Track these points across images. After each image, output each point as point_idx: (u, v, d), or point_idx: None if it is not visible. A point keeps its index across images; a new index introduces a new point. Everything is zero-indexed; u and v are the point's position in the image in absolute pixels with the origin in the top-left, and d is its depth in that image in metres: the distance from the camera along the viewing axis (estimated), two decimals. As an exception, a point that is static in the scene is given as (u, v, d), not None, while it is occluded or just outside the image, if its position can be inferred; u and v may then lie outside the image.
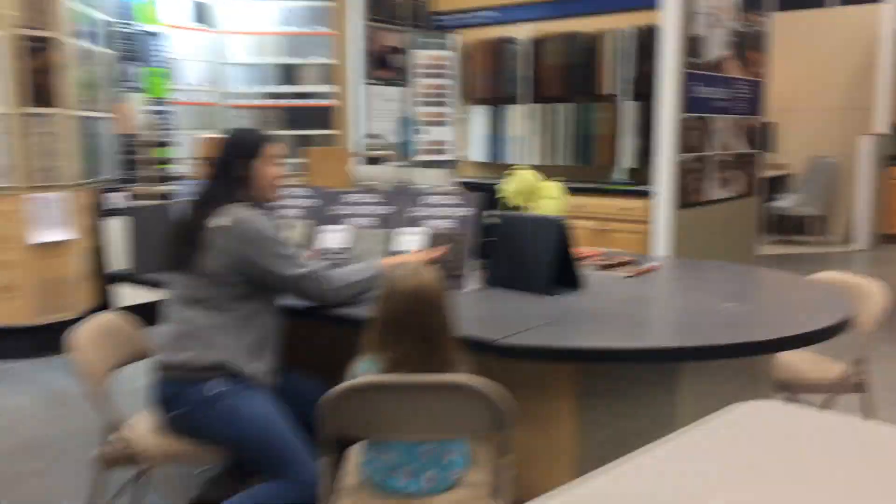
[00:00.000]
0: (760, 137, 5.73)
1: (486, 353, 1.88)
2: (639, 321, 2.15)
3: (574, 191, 5.25)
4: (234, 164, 2.21)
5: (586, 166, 5.56)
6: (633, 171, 5.32)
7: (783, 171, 8.77)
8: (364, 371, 1.77)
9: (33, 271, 4.36)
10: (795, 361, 2.64)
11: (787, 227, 8.66)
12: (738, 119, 5.38)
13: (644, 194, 4.95)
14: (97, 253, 4.71)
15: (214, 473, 2.58)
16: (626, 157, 5.32)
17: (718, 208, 5.22)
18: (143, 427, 2.23)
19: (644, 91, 5.17)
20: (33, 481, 2.91)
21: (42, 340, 4.26)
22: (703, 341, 1.98)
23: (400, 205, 2.65)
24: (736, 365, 2.29)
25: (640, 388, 2.11)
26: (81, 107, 4.66)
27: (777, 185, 8.64)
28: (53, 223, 4.41)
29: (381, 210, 2.67)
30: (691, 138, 4.87)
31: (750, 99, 5.48)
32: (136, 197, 4.14)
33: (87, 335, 2.13)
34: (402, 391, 1.68)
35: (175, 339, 2.14)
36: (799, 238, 8.57)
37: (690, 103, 4.80)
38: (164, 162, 4.93)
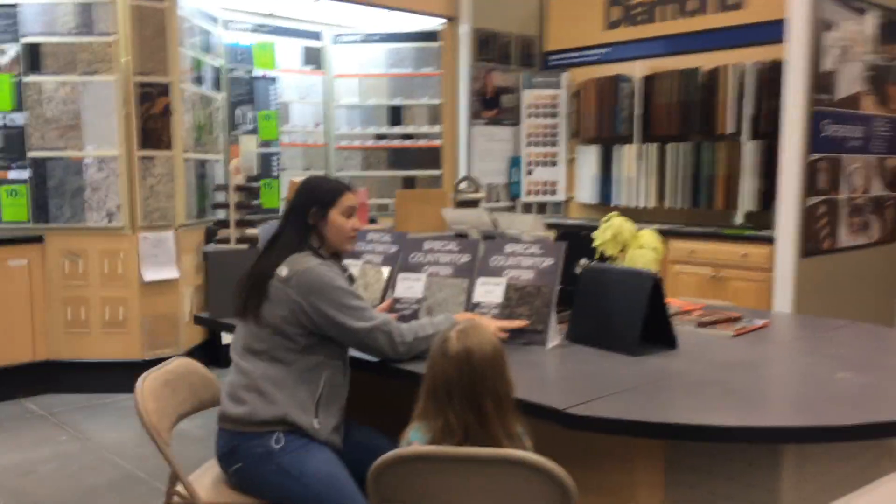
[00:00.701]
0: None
1: (551, 422, 1.69)
2: (737, 391, 1.89)
3: (688, 235, 5.00)
4: (308, 212, 2.14)
5: (702, 209, 5.22)
6: (753, 216, 4.94)
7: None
8: (413, 440, 1.63)
9: (143, 308, 4.53)
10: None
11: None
12: (876, 159, 4.90)
13: (765, 240, 4.57)
14: (201, 292, 4.84)
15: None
16: (746, 200, 4.94)
17: (851, 257, 4.74)
18: (208, 479, 2.17)
19: (767, 130, 4.81)
20: (115, 520, 2.93)
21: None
22: (811, 421, 1.70)
23: (483, 253, 2.51)
24: (856, 445, 1.97)
25: (737, 466, 1.85)
26: (193, 149, 4.85)
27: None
28: (163, 262, 4.57)
29: (463, 258, 2.53)
30: (819, 180, 4.47)
31: (890, 137, 4.99)
32: (221, 241, 4.21)
33: (153, 383, 2.11)
34: (453, 463, 1.52)
35: (235, 390, 2.08)
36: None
37: (819, 143, 4.41)
38: (257, 205, 5.03)
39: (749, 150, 4.90)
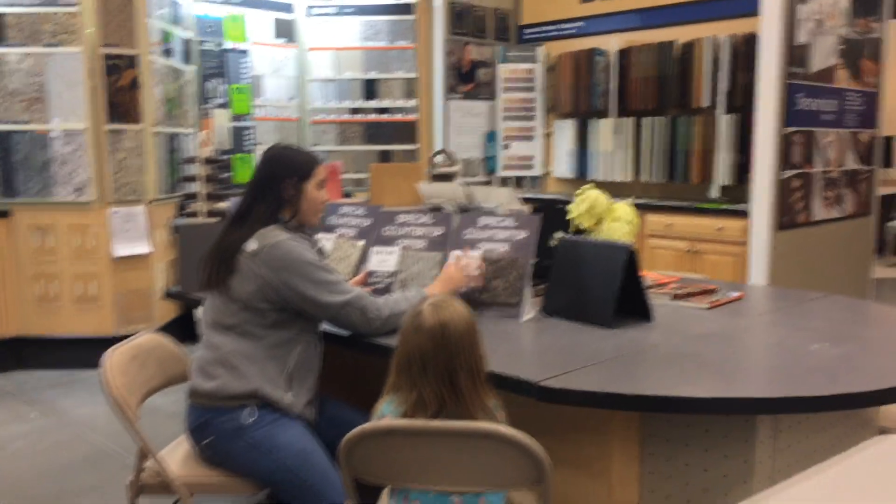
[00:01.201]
0: (875, 152, 5.23)
1: (526, 395, 1.68)
2: (712, 363, 1.89)
3: (664, 209, 5.01)
4: (282, 184, 2.09)
5: (677, 183, 5.23)
6: (728, 189, 4.96)
7: (904, 190, 8.06)
8: (385, 413, 1.61)
9: (115, 283, 4.46)
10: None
11: (907, 250, 7.95)
12: (849, 133, 4.92)
13: (740, 214, 4.59)
14: (173, 267, 4.77)
15: (257, 501, 2.48)
16: (722, 173, 4.95)
17: (825, 230, 4.78)
18: (179, 454, 2.15)
19: (741, 103, 4.81)
20: (88, 498, 2.90)
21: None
22: (786, 391, 1.71)
23: (457, 226, 2.48)
24: (830, 415, 1.99)
25: (712, 438, 1.85)
26: (164, 123, 4.75)
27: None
28: (134, 237, 4.49)
29: (436, 231, 2.51)
30: (794, 154, 4.48)
31: (863, 111, 5.01)
32: (190, 214, 4.15)
33: (120, 357, 2.07)
34: (425, 437, 1.51)
35: (205, 365, 2.05)
36: (921, 262, 7.85)
37: (793, 116, 4.42)
38: (228, 178, 4.95)
39: (724, 124, 4.91)
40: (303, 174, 2.10)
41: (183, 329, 4.83)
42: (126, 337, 2.20)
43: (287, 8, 5.70)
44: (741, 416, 1.81)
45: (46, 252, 4.39)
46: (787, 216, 4.48)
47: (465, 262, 2.29)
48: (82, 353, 4.36)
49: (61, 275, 4.41)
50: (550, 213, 2.57)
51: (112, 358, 2.03)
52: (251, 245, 2.02)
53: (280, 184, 2.09)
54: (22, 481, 3.04)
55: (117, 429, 3.38)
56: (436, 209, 3.00)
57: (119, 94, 4.36)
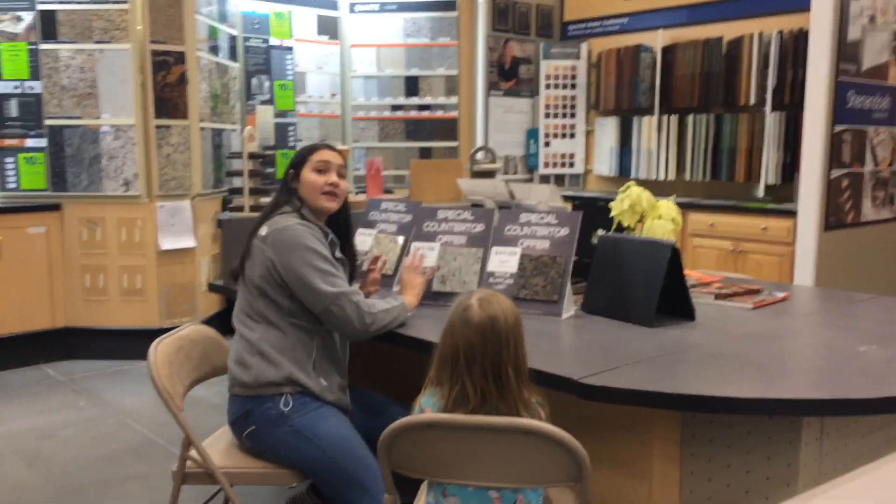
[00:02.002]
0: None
1: (566, 392, 1.67)
2: (756, 364, 1.86)
3: (708, 208, 4.93)
4: (289, 175, 2.21)
5: (722, 182, 5.15)
6: (774, 189, 4.86)
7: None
8: (426, 406, 1.61)
9: (160, 276, 4.55)
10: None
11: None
12: (902, 131, 4.79)
13: (786, 214, 4.50)
14: (218, 261, 4.85)
15: (297, 492, 2.51)
16: (768, 172, 4.86)
17: (875, 230, 4.66)
18: (222, 444, 2.18)
19: (790, 101, 4.72)
20: (133, 485, 2.97)
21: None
22: (832, 393, 1.67)
23: (498, 222, 2.48)
24: (878, 418, 1.94)
25: (756, 440, 1.82)
26: (210, 118, 4.83)
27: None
28: (180, 231, 4.58)
29: (477, 227, 2.51)
30: (843, 153, 4.38)
31: (917, 109, 4.87)
32: (235, 209, 4.21)
33: (166, 349, 2.11)
34: (466, 432, 1.51)
35: (239, 355, 2.09)
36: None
37: (843, 114, 4.32)
38: (272, 173, 5.02)
39: (771, 122, 4.81)
40: (299, 162, 2.19)
41: (226, 322, 4.91)
42: (170, 329, 2.25)
43: (331, 5, 5.75)
44: (786, 417, 1.78)
45: (95, 245, 4.50)
46: (835, 216, 4.38)
47: (416, 264, 2.39)
48: (128, 344, 4.47)
49: (109, 267, 4.52)
50: (591, 211, 2.55)
51: (158, 349, 2.07)
52: (263, 230, 2.09)
53: (286, 177, 2.21)
54: (71, 468, 3.12)
55: (162, 419, 3.46)
56: (476, 205, 3.00)
57: (167, 89, 4.45)
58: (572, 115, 6.01)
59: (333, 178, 2.17)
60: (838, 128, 4.30)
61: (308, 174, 2.16)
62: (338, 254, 2.16)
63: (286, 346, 2.04)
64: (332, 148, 2.22)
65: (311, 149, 2.21)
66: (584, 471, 1.45)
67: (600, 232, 2.50)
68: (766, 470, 1.82)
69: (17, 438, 3.39)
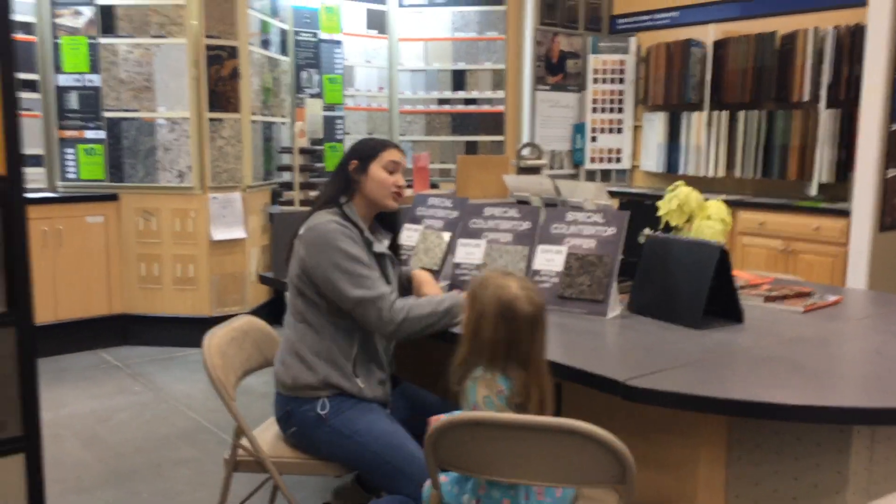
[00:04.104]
0: None
1: (612, 393, 1.68)
2: (806, 369, 1.84)
3: (758, 206, 4.86)
4: (349, 166, 2.15)
5: (774, 179, 5.06)
6: (827, 187, 4.76)
7: None
8: (473, 399, 1.65)
9: (212, 266, 4.66)
10: None
11: None
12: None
13: (840, 213, 4.41)
14: (267, 252, 4.95)
15: (343, 483, 2.57)
16: (821, 170, 4.76)
17: (932, 232, 4.53)
18: (270, 434, 2.24)
19: (845, 98, 4.61)
20: (184, 469, 3.06)
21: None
22: (884, 402, 1.65)
23: (544, 220, 2.49)
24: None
25: (804, 446, 1.81)
26: (260, 112, 4.92)
27: None
28: (231, 222, 4.68)
29: (523, 225, 2.52)
30: (901, 151, 4.27)
31: (979, 107, 4.72)
32: (285, 203, 4.28)
33: (219, 340, 2.17)
34: (512, 430, 1.53)
35: (282, 354, 2.14)
36: None
37: (901, 111, 4.21)
38: (321, 167, 5.08)
39: (826, 119, 4.71)
40: (368, 155, 2.14)
41: (274, 312, 5.02)
42: (221, 318, 2.31)
43: (380, -1, 5.80)
44: (835, 425, 1.76)
45: (150, 234, 4.63)
46: (891, 217, 4.28)
47: None
48: (181, 331, 4.59)
49: (163, 256, 4.64)
50: (638, 209, 2.54)
51: (212, 340, 2.13)
52: (302, 228, 2.09)
53: (347, 166, 2.15)
54: (125, 450, 3.24)
55: (212, 405, 3.57)
56: (522, 202, 3.02)
57: (220, 83, 4.54)
58: (620, 110, 5.96)
59: (402, 180, 2.16)
60: (895, 126, 4.20)
61: (378, 171, 2.12)
62: (378, 248, 2.13)
63: (322, 348, 2.06)
64: (399, 147, 2.20)
65: (383, 145, 2.17)
66: (629, 473, 1.47)
67: (647, 231, 2.49)
68: (815, 477, 1.81)
69: (76, 420, 3.53)
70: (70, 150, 4.63)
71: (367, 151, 2.15)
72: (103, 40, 4.53)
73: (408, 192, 4.08)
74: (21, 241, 1.71)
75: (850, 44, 4.57)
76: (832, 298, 2.47)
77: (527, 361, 1.63)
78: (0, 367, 1.69)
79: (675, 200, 2.57)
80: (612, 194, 5.14)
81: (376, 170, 2.13)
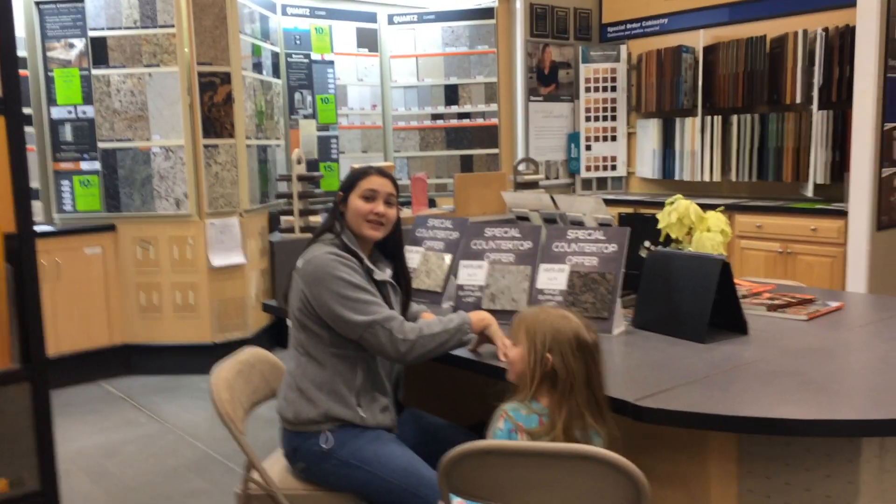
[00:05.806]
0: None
1: (622, 414, 1.69)
2: (814, 382, 1.84)
3: (754, 209, 4.87)
4: (335, 201, 2.18)
5: (769, 182, 5.07)
6: (823, 188, 4.78)
7: None
8: (519, 421, 1.69)
9: (212, 292, 4.65)
10: None
11: None
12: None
13: (836, 213, 4.42)
14: (267, 276, 4.95)
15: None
16: (816, 171, 4.78)
17: (930, 229, 4.55)
18: (279, 467, 2.23)
19: (837, 99, 4.63)
20: (194, 501, 3.05)
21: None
22: (892, 413, 1.65)
23: (545, 239, 2.49)
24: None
25: (814, 458, 1.81)
26: (255, 135, 4.93)
27: None
28: (230, 247, 4.68)
29: (525, 245, 2.52)
30: (894, 150, 4.28)
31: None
32: (285, 230, 4.28)
33: (226, 374, 2.17)
34: (526, 458, 1.53)
35: (284, 388, 2.13)
36: None
37: (893, 111, 4.23)
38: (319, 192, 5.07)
39: (819, 120, 4.73)
40: (348, 186, 2.15)
41: (275, 336, 5.02)
42: (223, 344, 2.30)
43: (370, 18, 5.81)
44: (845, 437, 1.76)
45: (149, 263, 4.63)
46: (888, 215, 4.29)
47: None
48: (183, 358, 4.59)
49: (162, 285, 4.64)
50: (638, 221, 2.55)
51: (219, 374, 2.13)
52: (300, 261, 2.09)
53: (335, 201, 2.19)
54: (134, 483, 3.22)
55: (218, 434, 3.56)
56: (522, 218, 3.02)
57: (214, 109, 4.55)
58: (613, 118, 5.98)
59: (380, 207, 2.11)
60: (888, 125, 4.21)
61: (355, 200, 2.11)
62: (380, 276, 2.12)
63: (324, 380, 2.04)
64: (383, 174, 2.16)
65: (362, 174, 2.16)
66: (644, 497, 1.47)
67: (648, 244, 2.50)
68: (826, 488, 1.81)
69: (83, 456, 3.51)
70: (66, 182, 4.63)
71: (348, 182, 2.16)
72: (96, 71, 4.54)
73: (407, 213, 4.10)
74: (34, 298, 1.70)
75: (840, 45, 4.60)
76: (834, 305, 2.48)
77: (598, 388, 1.71)
78: (16, 422, 1.69)
79: (675, 213, 2.58)
80: (609, 202, 5.14)
81: (354, 199, 2.12)
